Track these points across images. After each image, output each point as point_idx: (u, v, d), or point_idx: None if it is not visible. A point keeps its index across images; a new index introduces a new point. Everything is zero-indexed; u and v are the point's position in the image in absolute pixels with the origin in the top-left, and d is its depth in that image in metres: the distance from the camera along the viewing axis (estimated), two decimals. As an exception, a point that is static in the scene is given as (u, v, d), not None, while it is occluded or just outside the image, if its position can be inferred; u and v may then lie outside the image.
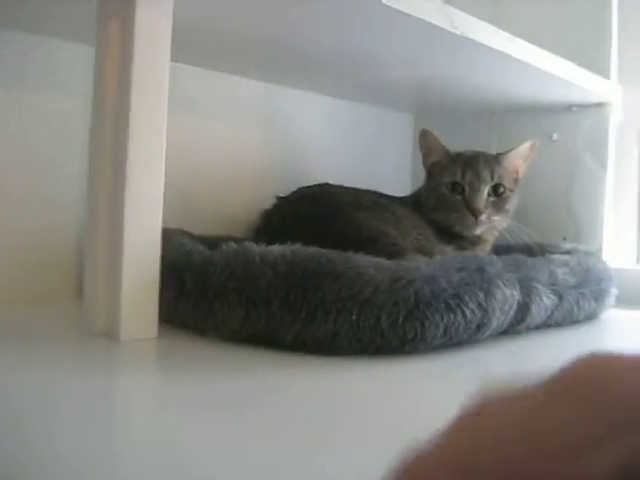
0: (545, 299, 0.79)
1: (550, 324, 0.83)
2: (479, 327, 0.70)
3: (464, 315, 0.68)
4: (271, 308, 0.66)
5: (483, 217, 1.01)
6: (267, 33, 0.83)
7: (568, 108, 1.21)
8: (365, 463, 0.39)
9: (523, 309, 0.76)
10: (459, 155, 1.07)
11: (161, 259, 0.68)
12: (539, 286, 0.79)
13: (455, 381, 0.61)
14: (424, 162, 1.10)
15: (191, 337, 0.69)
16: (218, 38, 0.86)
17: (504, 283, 0.73)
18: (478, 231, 1.03)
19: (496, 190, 1.03)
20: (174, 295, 0.71)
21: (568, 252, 0.96)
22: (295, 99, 1.21)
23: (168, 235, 0.72)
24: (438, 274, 0.68)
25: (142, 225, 0.66)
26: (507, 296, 0.73)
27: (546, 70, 0.98)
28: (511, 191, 1.05)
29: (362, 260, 0.68)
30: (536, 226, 1.14)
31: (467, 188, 1.02)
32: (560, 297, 0.82)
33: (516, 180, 1.08)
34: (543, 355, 0.74)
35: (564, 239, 1.18)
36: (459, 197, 1.02)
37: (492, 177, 1.02)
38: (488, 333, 0.72)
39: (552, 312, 0.82)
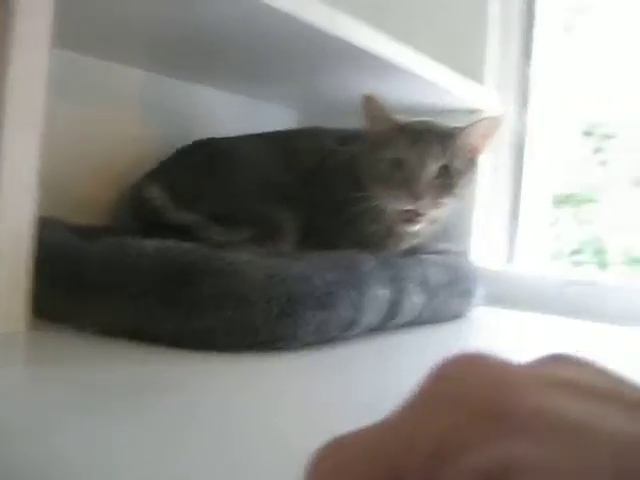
0: (415, 297, 0.82)
1: (419, 322, 0.87)
2: (350, 324, 0.72)
3: (336, 313, 0.70)
4: (148, 303, 0.66)
5: (425, 201, 0.88)
6: (147, 19, 0.82)
7: (443, 113, 1.25)
8: (237, 457, 0.40)
9: (394, 307, 0.79)
10: (407, 126, 0.92)
11: (36, 250, 0.66)
12: (410, 285, 0.82)
13: (326, 377, 0.62)
14: (367, 131, 0.95)
15: (66, 331, 0.68)
16: (96, 23, 0.84)
17: (376, 282, 0.75)
18: (418, 223, 0.90)
19: (444, 171, 0.90)
20: (50, 288, 0.69)
21: (439, 252, 1.00)
22: (178, 90, 1.19)
23: (43, 225, 0.71)
24: (312, 272, 0.70)
25: (13, 215, 0.64)
26: (378, 294, 0.75)
27: (425, 76, 1.01)
28: (463, 173, 0.92)
29: (237, 257, 0.69)
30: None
31: (410, 168, 0.88)
32: (430, 295, 0.86)
33: (472, 162, 0.95)
34: (413, 351, 0.77)
35: (434, 239, 1.22)
36: (399, 174, 0.89)
37: (441, 157, 0.89)
38: (359, 330, 0.75)
39: (422, 310, 0.85)
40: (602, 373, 0.20)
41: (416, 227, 0.91)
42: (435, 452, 0.17)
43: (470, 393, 0.18)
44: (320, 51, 0.90)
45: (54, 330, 0.68)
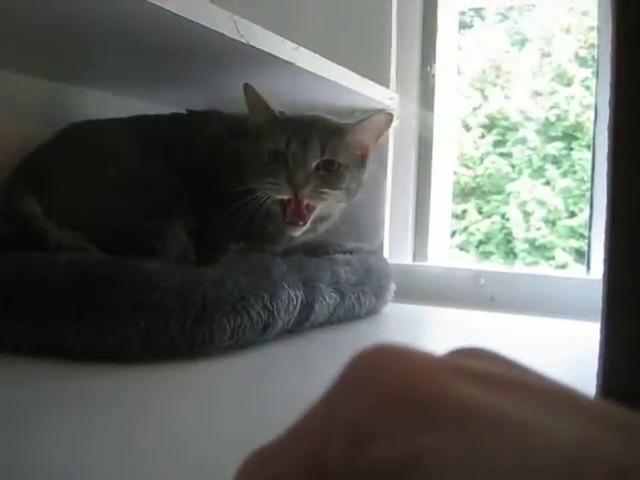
0: (328, 298, 0.84)
1: (333, 321, 0.88)
2: (265, 328, 0.73)
3: (250, 317, 0.70)
4: (58, 318, 0.65)
5: (305, 190, 0.85)
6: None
7: (352, 113, 1.27)
8: (148, 463, 0.40)
9: (307, 308, 0.80)
10: (289, 120, 0.91)
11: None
12: (322, 286, 0.83)
13: (243, 381, 0.63)
14: (250, 121, 0.93)
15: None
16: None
17: (288, 285, 0.76)
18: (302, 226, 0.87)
19: (327, 166, 0.88)
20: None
21: (351, 251, 1.01)
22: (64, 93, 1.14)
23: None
24: (225, 278, 0.70)
25: None
26: (291, 297, 0.76)
27: (330, 78, 1.03)
28: (349, 169, 0.90)
29: (150, 265, 0.69)
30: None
31: (290, 159, 0.86)
32: (342, 295, 0.87)
33: (362, 158, 0.94)
34: (327, 350, 0.78)
35: (346, 238, 1.23)
36: (280, 165, 0.86)
37: (323, 151, 0.87)
38: (274, 333, 0.75)
39: (335, 310, 0.86)
40: (511, 365, 0.21)
41: (299, 231, 0.89)
42: (351, 437, 0.17)
43: (385, 381, 0.18)
44: (223, 55, 0.90)
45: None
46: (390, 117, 0.93)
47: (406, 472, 0.16)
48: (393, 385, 0.18)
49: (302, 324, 0.81)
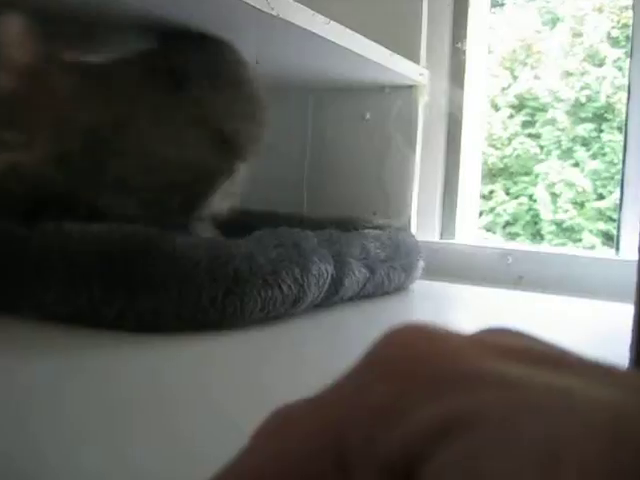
0: (357, 273, 0.84)
1: (362, 296, 0.88)
2: (295, 301, 0.73)
3: (281, 290, 0.71)
4: (90, 286, 0.65)
5: None
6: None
7: (381, 89, 1.27)
8: (186, 436, 0.41)
9: (337, 283, 0.80)
10: None
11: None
12: (352, 260, 0.83)
13: (274, 353, 0.63)
14: None
15: (5, 318, 0.67)
16: None
17: (319, 258, 0.76)
18: None
19: None
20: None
21: (380, 227, 1.01)
22: None
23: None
24: (256, 250, 0.71)
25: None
26: (322, 271, 0.76)
27: (361, 53, 1.02)
28: None
29: (182, 238, 0.69)
30: (349, 201, 1.20)
31: None
32: (372, 270, 0.87)
33: None
34: (357, 325, 0.79)
35: (374, 214, 1.24)
36: None
37: None
38: (304, 306, 0.76)
39: (364, 285, 0.86)
40: (541, 343, 0.20)
41: None
42: (378, 417, 0.17)
43: (417, 358, 0.18)
44: (252, 28, 0.89)
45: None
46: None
47: (443, 438, 0.15)
48: (424, 363, 0.17)
49: (331, 298, 0.81)
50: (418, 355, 0.18)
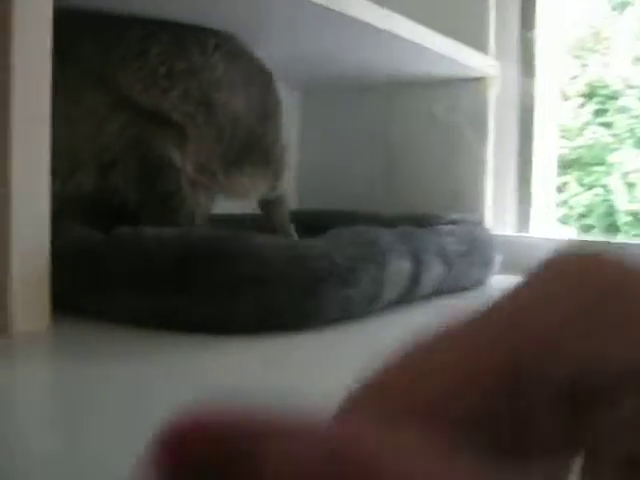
0: (435, 269, 0.82)
1: (440, 292, 0.87)
2: (374, 299, 0.72)
3: (359, 289, 0.70)
4: (168, 291, 0.66)
5: None
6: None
7: (451, 83, 1.25)
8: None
9: (414, 279, 0.79)
10: None
11: (54, 246, 0.66)
12: (429, 256, 0.82)
13: (354, 351, 0.62)
14: None
15: (88, 324, 0.68)
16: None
17: (396, 255, 0.75)
18: None
19: None
20: (68, 282, 0.69)
21: (454, 222, 1.00)
22: None
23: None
24: (333, 249, 0.70)
25: (30, 213, 0.64)
26: (399, 268, 0.75)
27: (427, 46, 1.01)
28: None
29: (259, 239, 0.69)
30: (421, 198, 1.18)
31: None
32: (449, 266, 0.86)
33: None
34: (436, 322, 0.77)
35: (448, 209, 1.22)
36: None
37: None
38: (382, 304, 0.75)
39: (442, 281, 0.85)
40: None
41: None
42: (549, 342, 0.15)
43: (588, 284, 0.16)
44: (311, 21, 0.89)
45: (77, 324, 0.67)
46: None
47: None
48: (599, 290, 0.15)
49: (409, 295, 0.80)
50: (591, 279, 0.16)
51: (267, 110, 0.94)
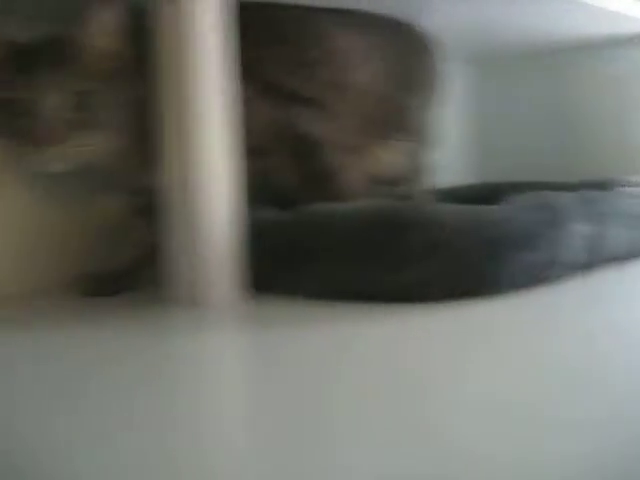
0: (618, 233, 0.80)
1: (625, 257, 0.83)
2: (554, 263, 0.72)
3: (539, 253, 0.69)
4: (356, 262, 0.68)
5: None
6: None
7: (629, 41, 1.19)
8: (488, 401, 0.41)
9: (597, 244, 0.77)
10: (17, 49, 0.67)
11: (245, 226, 0.71)
12: (612, 220, 0.79)
13: (537, 317, 0.62)
14: None
15: (281, 298, 0.71)
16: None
17: (577, 219, 0.74)
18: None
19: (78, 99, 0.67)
20: (260, 258, 0.72)
21: (637, 184, 0.95)
22: None
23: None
24: (512, 215, 0.69)
25: (223, 187, 0.69)
26: (580, 232, 0.74)
27: (602, 5, 0.97)
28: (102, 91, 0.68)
29: (438, 206, 0.70)
30: (597, 163, 1.14)
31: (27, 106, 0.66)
32: (634, 229, 0.83)
33: (109, 68, 0.69)
34: (622, 288, 0.74)
35: (627, 172, 1.16)
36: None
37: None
38: (563, 269, 0.74)
39: (627, 245, 0.82)
40: None
41: None
42: None
43: None
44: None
45: (268, 298, 0.71)
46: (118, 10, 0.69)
47: None
48: None
49: (591, 260, 0.78)
50: None
51: (413, 81, 0.95)
